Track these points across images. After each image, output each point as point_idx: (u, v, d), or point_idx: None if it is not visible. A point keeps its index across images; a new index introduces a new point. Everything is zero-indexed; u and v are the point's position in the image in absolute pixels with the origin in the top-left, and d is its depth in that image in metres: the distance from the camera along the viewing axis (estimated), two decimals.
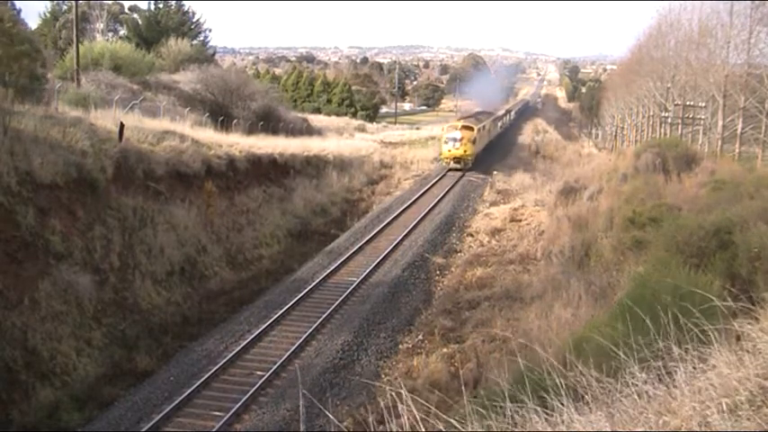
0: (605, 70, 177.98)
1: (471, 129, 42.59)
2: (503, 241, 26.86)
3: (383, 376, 14.96)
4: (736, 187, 18.81)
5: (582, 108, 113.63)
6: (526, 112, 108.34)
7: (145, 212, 19.98)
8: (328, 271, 21.74)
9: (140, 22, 60.30)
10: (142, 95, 33.97)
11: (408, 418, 4.17)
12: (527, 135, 68.77)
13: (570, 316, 14.54)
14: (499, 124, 62.72)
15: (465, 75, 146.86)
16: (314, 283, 20.49)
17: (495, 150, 51.54)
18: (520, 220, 29.59)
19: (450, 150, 42.07)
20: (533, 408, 4.35)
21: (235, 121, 38.86)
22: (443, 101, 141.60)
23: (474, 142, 42.17)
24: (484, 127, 47.47)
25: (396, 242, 25.11)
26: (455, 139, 41.76)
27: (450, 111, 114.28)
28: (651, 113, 54.70)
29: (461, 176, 40.20)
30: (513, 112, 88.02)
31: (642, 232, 17.77)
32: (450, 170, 41.53)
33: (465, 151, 41.71)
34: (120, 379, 14.69)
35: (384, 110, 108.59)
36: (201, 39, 62.87)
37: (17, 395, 13.06)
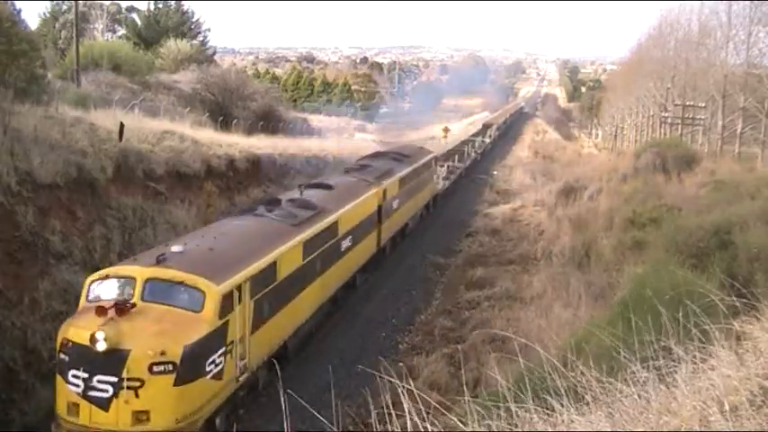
0: (605, 70, 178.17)
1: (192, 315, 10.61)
2: (503, 241, 26.86)
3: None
4: (736, 187, 18.86)
5: (582, 108, 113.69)
6: (517, 124, 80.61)
7: (145, 212, 19.93)
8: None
9: (140, 22, 60.28)
10: (142, 95, 33.89)
11: (409, 418, 4.16)
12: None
13: (570, 316, 14.55)
14: (439, 184, 33.06)
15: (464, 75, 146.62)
16: None
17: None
18: (520, 221, 29.62)
19: (74, 404, 9.62)
20: (534, 407, 4.35)
21: (235, 121, 38.78)
22: (443, 100, 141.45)
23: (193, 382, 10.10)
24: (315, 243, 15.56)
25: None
26: (90, 369, 9.49)
27: (451, 111, 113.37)
28: (651, 113, 54.73)
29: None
30: (494, 129, 58.47)
31: (642, 232, 17.82)
32: None
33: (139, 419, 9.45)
34: None
35: (384, 110, 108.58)
36: (201, 39, 62.81)
37: (17, 395, 13.04)
